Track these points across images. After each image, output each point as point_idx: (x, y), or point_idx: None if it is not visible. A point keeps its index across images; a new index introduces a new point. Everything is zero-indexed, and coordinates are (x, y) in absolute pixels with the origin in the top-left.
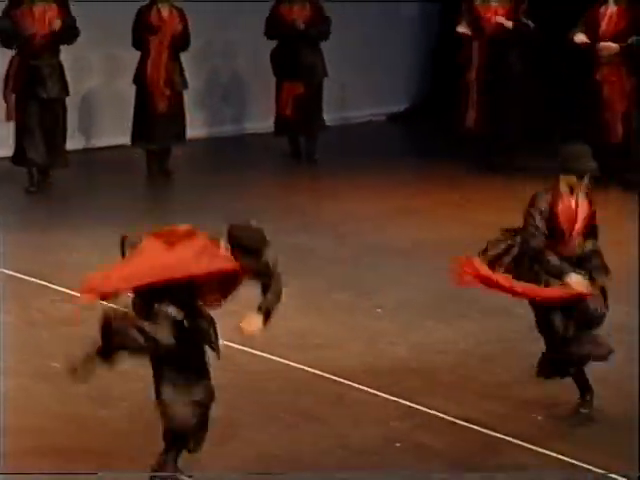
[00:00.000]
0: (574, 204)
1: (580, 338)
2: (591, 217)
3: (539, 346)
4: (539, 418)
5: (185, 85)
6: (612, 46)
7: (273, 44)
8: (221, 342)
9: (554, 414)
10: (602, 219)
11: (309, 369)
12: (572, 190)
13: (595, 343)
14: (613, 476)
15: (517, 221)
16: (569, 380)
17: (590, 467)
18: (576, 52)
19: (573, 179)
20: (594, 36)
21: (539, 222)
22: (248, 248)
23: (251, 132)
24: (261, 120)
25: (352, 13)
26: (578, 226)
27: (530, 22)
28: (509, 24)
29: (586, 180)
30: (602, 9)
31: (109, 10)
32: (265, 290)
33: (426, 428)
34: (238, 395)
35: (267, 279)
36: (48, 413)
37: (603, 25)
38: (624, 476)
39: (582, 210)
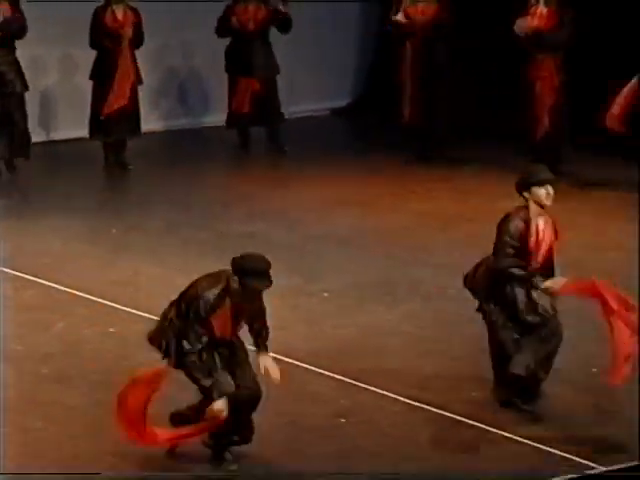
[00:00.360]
0: (542, 227)
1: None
2: (554, 241)
3: (476, 327)
4: (473, 394)
5: (140, 81)
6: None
7: (225, 42)
8: None
9: (489, 390)
10: (603, 221)
11: (250, 347)
12: (540, 212)
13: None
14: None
15: (451, 210)
16: None
17: (528, 442)
18: (508, 50)
19: (542, 195)
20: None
21: (510, 244)
22: (253, 271)
23: (205, 125)
24: (214, 114)
25: (297, 12)
26: (544, 249)
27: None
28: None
29: (551, 192)
30: (533, 9)
31: (66, 10)
32: (254, 330)
33: (373, 407)
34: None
35: (259, 321)
36: (9, 394)
37: (533, 23)
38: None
39: (548, 234)
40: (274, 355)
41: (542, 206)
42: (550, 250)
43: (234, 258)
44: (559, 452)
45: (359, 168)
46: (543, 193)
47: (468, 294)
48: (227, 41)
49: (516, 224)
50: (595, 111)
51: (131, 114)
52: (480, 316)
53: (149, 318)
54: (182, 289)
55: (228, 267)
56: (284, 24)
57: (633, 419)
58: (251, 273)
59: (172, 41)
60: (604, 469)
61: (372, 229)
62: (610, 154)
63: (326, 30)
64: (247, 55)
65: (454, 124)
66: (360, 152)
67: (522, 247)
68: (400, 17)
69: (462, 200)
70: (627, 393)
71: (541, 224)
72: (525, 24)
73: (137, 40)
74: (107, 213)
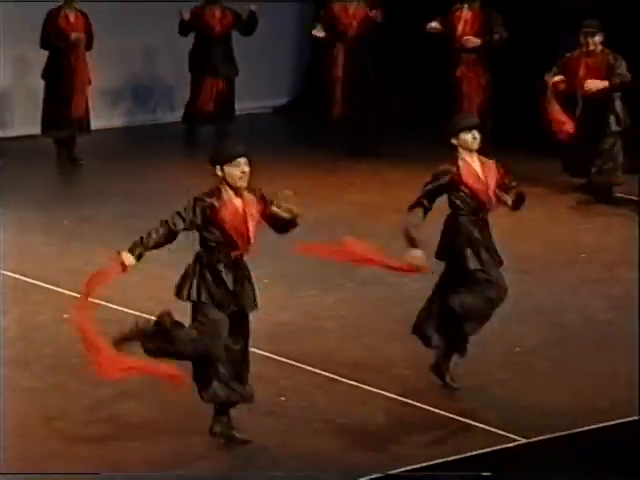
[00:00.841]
0: (480, 168)
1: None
2: (503, 176)
3: (405, 310)
4: (404, 373)
5: (89, 82)
6: (475, 40)
7: (185, 43)
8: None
9: (420, 369)
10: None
11: None
12: (470, 156)
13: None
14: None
15: (383, 200)
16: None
17: (455, 416)
18: (436, 52)
19: (469, 140)
20: (453, 37)
21: (428, 193)
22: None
23: (158, 122)
24: (167, 111)
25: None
26: (491, 188)
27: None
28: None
29: (477, 136)
30: (458, 13)
31: (20, 11)
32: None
33: (311, 386)
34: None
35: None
36: None
37: (459, 28)
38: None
39: (491, 173)
40: None
41: (471, 150)
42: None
43: (212, 152)
44: (486, 426)
45: (297, 163)
46: (470, 138)
47: (397, 279)
48: (186, 41)
49: (443, 169)
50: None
51: (82, 113)
52: (407, 299)
53: (100, 304)
54: (130, 277)
55: (173, 255)
56: (248, 27)
57: (554, 391)
58: (229, 159)
59: (130, 41)
60: (525, 441)
61: (310, 218)
62: (531, 151)
63: (265, 30)
64: (212, 56)
65: (383, 121)
66: (298, 148)
67: (467, 191)
68: (319, 33)
69: (392, 191)
70: (547, 370)
71: (476, 165)
72: (434, 25)
73: (89, 43)
74: (60, 206)
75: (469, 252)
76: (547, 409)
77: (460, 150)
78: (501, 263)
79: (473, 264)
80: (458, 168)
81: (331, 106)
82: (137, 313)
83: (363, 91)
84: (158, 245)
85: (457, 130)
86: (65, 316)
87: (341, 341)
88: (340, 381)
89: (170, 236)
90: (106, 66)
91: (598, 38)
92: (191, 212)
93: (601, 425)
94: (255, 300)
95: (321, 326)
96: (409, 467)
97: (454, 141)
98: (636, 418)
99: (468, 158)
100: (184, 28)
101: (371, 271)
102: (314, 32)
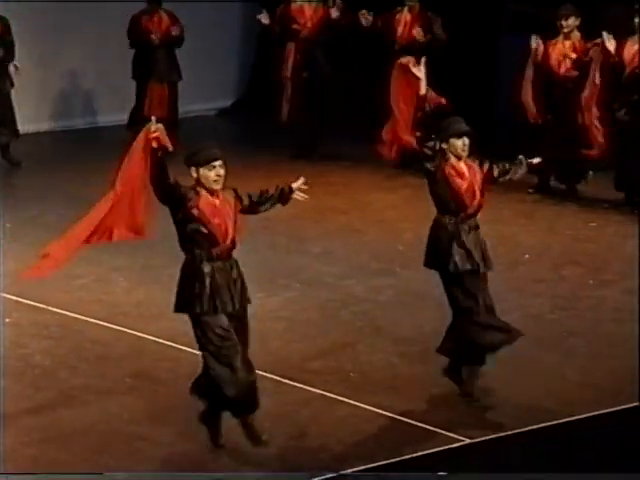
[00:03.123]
0: (465, 169)
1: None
2: (485, 178)
3: (352, 311)
4: (351, 374)
5: (12, 85)
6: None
7: (118, 48)
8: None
9: (365, 371)
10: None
11: (149, 336)
12: (459, 158)
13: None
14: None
15: (327, 203)
16: (380, 342)
17: (399, 417)
18: (381, 54)
19: (459, 146)
20: (393, 40)
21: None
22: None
23: (98, 125)
24: (108, 114)
25: (182, 14)
26: (477, 188)
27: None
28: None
29: (467, 143)
30: (397, 16)
31: None
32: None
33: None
34: (83, 361)
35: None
36: None
37: (399, 31)
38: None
39: (473, 173)
40: (163, 341)
41: (459, 157)
42: (482, 192)
43: (188, 153)
44: (430, 427)
45: (242, 164)
46: (460, 144)
47: (344, 281)
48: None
49: (440, 175)
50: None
51: (6, 118)
52: (353, 300)
53: (42, 308)
54: (75, 279)
55: (117, 259)
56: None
57: (499, 391)
58: (204, 162)
59: (66, 44)
60: (469, 441)
61: (255, 220)
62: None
63: (209, 31)
64: (156, 62)
65: (329, 123)
66: (242, 150)
67: (453, 195)
68: (263, 18)
69: (336, 193)
70: (492, 370)
71: (464, 169)
72: (263, 18)
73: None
74: (1, 208)
75: (454, 254)
76: (493, 409)
77: (449, 155)
78: (489, 268)
79: (459, 266)
80: (444, 167)
81: (280, 107)
82: (81, 317)
83: (312, 92)
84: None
85: (448, 135)
86: (7, 320)
87: (287, 343)
88: (286, 383)
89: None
90: (47, 69)
91: (572, 21)
92: (180, 187)
93: (548, 424)
94: (247, 296)
95: (267, 328)
96: (354, 469)
97: (444, 145)
98: (582, 417)
99: (455, 163)
100: (132, 39)
101: (318, 272)
102: (259, 17)
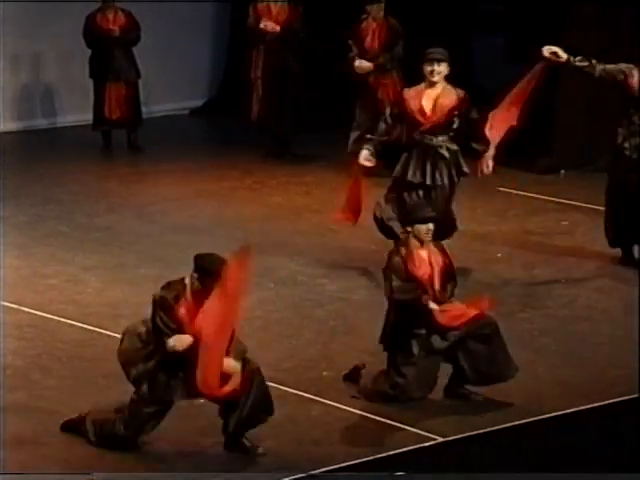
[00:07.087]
0: (427, 256)
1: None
2: (448, 267)
3: (326, 311)
4: (324, 374)
5: None
6: (365, 65)
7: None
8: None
9: (339, 370)
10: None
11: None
12: (422, 243)
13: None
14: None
15: (299, 202)
16: (351, 340)
17: (373, 416)
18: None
19: (422, 231)
20: (362, 49)
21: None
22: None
23: (67, 125)
24: (75, 114)
25: (154, 13)
26: (437, 276)
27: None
28: (277, 29)
29: (431, 228)
30: (364, 25)
31: None
32: None
33: None
34: (56, 362)
35: None
36: None
37: (368, 40)
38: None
39: (436, 260)
40: None
41: (422, 241)
42: (446, 276)
43: (196, 256)
44: (403, 425)
45: (215, 164)
46: (424, 229)
47: (317, 280)
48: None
49: (396, 260)
50: None
51: None
52: (327, 300)
53: (14, 308)
54: (47, 279)
55: (87, 257)
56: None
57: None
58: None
59: (31, 44)
60: (442, 440)
61: (229, 220)
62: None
63: (181, 30)
64: (112, 61)
65: (301, 123)
66: (215, 149)
67: (413, 279)
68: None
69: (309, 193)
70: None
71: (424, 255)
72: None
73: None
74: None
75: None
76: (465, 407)
77: (410, 238)
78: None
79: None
80: (406, 255)
81: (250, 107)
82: (54, 317)
83: (282, 92)
84: None
85: (412, 220)
86: None
87: (261, 342)
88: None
89: None
90: (19, 69)
91: None
92: None
93: (520, 422)
94: None
95: (241, 327)
96: (329, 467)
97: (409, 229)
98: (553, 415)
99: (418, 248)
100: (87, 38)
101: (291, 272)
102: (264, 24)
